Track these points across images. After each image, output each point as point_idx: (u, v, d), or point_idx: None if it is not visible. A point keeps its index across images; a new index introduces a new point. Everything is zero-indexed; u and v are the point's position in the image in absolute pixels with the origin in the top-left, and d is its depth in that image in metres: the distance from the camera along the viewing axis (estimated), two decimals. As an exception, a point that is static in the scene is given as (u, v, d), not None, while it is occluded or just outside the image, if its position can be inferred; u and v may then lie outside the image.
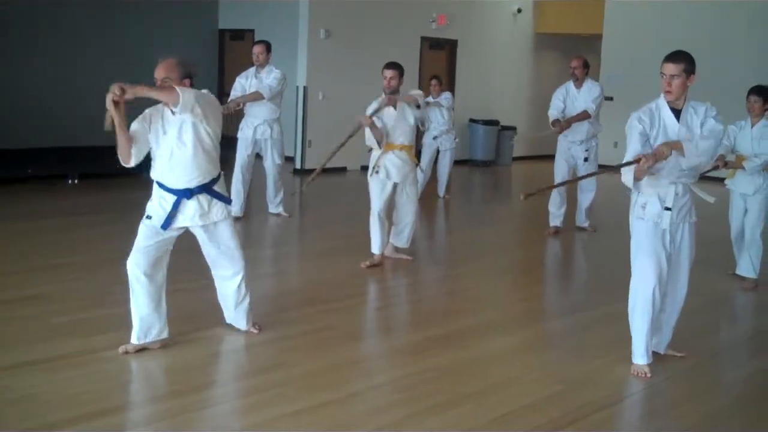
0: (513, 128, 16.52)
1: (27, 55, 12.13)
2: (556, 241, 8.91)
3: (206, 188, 4.75)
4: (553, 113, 8.95)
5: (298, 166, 13.42)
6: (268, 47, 8.96)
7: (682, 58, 4.51)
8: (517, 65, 17.26)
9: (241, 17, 15.15)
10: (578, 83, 8.95)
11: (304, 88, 13.20)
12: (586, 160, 8.96)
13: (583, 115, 8.83)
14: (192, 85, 4.68)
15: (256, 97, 8.82)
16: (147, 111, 4.66)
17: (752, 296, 6.98)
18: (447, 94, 11.06)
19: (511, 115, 16.59)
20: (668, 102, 4.61)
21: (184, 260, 5.43)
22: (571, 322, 6.01)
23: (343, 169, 13.40)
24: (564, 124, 8.79)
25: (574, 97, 8.95)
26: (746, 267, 7.12)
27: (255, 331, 5.20)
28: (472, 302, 6.52)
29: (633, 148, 4.58)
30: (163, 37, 13.64)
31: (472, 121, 15.94)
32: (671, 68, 4.50)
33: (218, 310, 5.26)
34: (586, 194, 9.26)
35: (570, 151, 9.05)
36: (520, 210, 11.61)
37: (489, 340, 5.45)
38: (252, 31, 15.09)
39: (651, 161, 4.44)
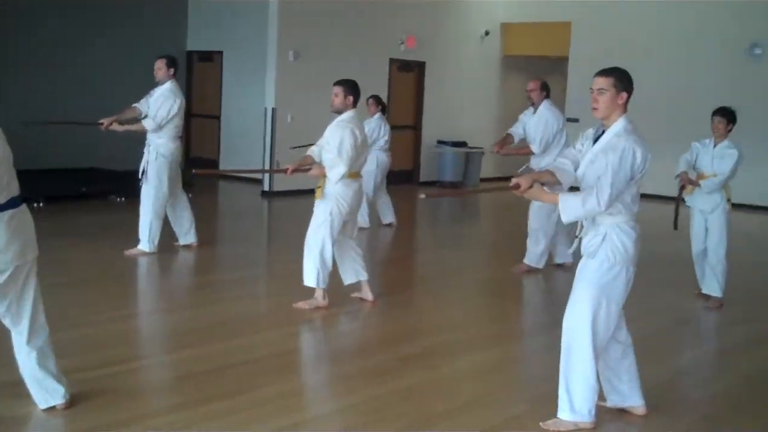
0: (480, 149, 16.61)
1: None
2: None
3: None
4: (511, 130, 8.41)
5: (266, 188, 13.37)
6: (168, 61, 8.10)
7: (614, 73, 4.17)
8: (485, 87, 17.38)
9: (209, 39, 15.13)
10: (533, 108, 8.19)
11: (273, 110, 13.19)
12: (543, 184, 8.33)
13: (524, 151, 8.29)
14: None
15: (138, 128, 8.07)
16: None
17: (717, 315, 7.04)
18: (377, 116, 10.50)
19: (478, 136, 16.66)
20: (600, 120, 4.26)
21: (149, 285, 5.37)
22: (539, 342, 6.02)
23: (311, 191, 13.36)
24: (502, 150, 8.28)
25: (528, 120, 8.22)
26: (712, 286, 7.18)
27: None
28: (438, 323, 6.51)
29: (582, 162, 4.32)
30: (131, 59, 13.60)
31: (440, 142, 16.00)
32: (599, 81, 4.15)
33: (183, 334, 5.21)
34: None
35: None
36: (488, 231, 11.68)
37: (457, 360, 5.45)
38: (221, 52, 15.08)
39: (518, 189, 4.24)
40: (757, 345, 6.19)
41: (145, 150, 8.15)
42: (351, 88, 6.47)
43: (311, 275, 6.36)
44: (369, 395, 4.69)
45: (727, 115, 6.99)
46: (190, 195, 8.65)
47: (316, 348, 5.70)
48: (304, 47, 13.41)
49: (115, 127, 8.11)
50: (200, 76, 15.55)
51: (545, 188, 4.38)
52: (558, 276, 8.28)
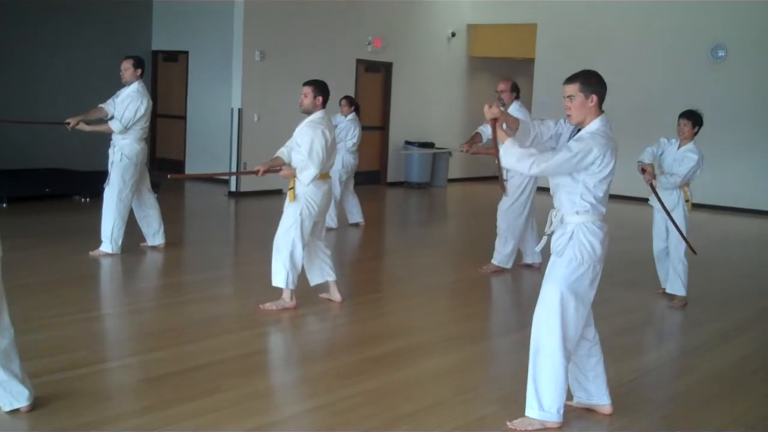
0: (447, 150, 16.68)
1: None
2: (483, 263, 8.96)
3: None
4: (480, 129, 8.33)
5: (233, 188, 13.31)
6: (135, 62, 8.06)
7: (578, 78, 4.21)
8: (452, 88, 17.46)
9: (174, 39, 15.02)
10: (504, 108, 8.32)
11: (239, 110, 13.14)
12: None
13: (494, 151, 8.22)
14: None
15: (104, 129, 7.97)
16: None
17: (680, 315, 7.13)
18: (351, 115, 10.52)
19: (445, 137, 16.73)
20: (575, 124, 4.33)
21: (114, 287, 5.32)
22: (506, 343, 6.07)
23: (278, 192, 13.33)
24: (471, 149, 8.14)
25: None
26: (676, 285, 7.28)
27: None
28: (406, 324, 6.52)
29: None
30: (96, 59, 13.48)
31: (407, 143, 16.03)
32: (566, 89, 4.22)
33: (148, 335, 5.17)
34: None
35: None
36: (455, 232, 11.72)
37: (424, 361, 5.46)
38: (186, 52, 14.98)
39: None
40: (720, 344, 6.27)
41: (110, 151, 8.07)
42: (320, 88, 6.43)
43: (280, 276, 6.35)
44: (336, 397, 4.68)
45: (692, 118, 7.10)
46: (156, 195, 8.58)
47: (284, 350, 5.69)
48: (270, 47, 13.37)
49: (82, 126, 8.00)
50: (165, 76, 15.44)
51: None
52: (526, 276, 8.34)
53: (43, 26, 12.96)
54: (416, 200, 14.76)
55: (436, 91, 16.92)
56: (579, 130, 4.29)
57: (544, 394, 4.26)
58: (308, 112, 6.42)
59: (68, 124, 8.01)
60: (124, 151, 7.97)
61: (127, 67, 8.00)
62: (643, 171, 7.07)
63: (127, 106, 7.90)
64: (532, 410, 4.29)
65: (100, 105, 8.14)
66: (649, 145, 7.35)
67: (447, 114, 17.18)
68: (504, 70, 18.59)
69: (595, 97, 4.18)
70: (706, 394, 5.12)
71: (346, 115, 10.56)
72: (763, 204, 14.19)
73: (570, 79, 4.24)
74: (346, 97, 10.77)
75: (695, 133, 7.11)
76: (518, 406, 4.41)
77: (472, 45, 17.72)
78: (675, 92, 14.33)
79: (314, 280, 6.69)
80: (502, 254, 8.29)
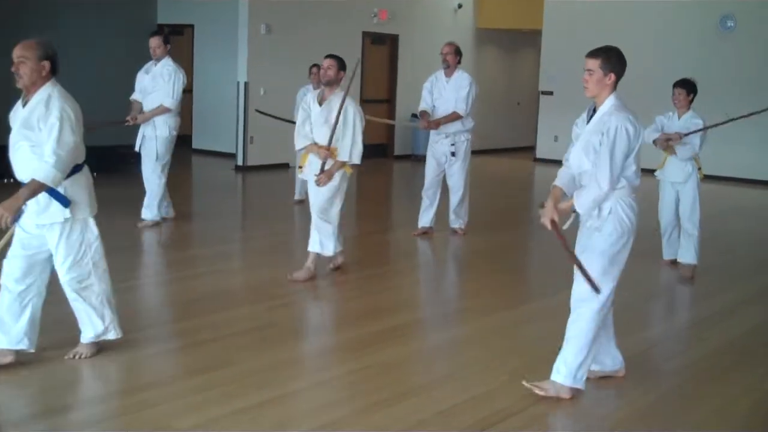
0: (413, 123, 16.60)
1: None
2: (496, 238, 8.95)
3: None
4: (422, 105, 8.49)
5: (240, 162, 13.29)
6: (164, 38, 8.39)
7: (600, 54, 4.30)
8: (459, 60, 17.34)
9: (180, 12, 14.95)
10: (449, 71, 8.39)
11: (245, 83, 13.09)
12: (453, 155, 8.43)
13: (453, 116, 8.27)
14: (54, 68, 4.42)
15: (160, 111, 8.17)
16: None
17: (687, 287, 7.11)
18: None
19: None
20: (593, 99, 4.38)
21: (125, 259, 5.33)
22: (513, 316, 6.06)
23: (285, 165, 13.32)
24: (432, 123, 8.29)
25: (442, 87, 8.40)
26: (689, 254, 7.28)
27: (69, 357, 4.62)
28: (413, 298, 6.53)
29: (573, 148, 4.47)
30: (100, 33, 13.40)
31: (414, 116, 15.94)
32: (588, 62, 4.33)
33: (160, 309, 5.18)
34: (455, 194, 8.66)
35: (437, 146, 8.54)
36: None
37: (431, 335, 5.47)
38: (192, 26, 14.92)
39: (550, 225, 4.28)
40: (729, 316, 6.26)
41: (147, 128, 8.23)
42: (343, 63, 6.56)
43: (330, 243, 6.57)
44: (343, 371, 4.70)
45: (687, 86, 7.12)
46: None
47: (293, 323, 5.69)
48: (275, 21, 13.30)
49: (140, 119, 8.22)
50: (171, 51, 15.26)
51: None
52: (535, 250, 8.33)
53: (44, 4, 12.88)
54: (423, 173, 14.66)
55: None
56: (594, 111, 4.35)
57: (574, 362, 4.32)
58: (330, 84, 6.48)
59: (127, 122, 8.23)
60: (169, 124, 8.24)
61: (158, 44, 8.25)
62: (668, 139, 7.03)
63: (173, 82, 8.18)
64: (560, 375, 4.35)
65: (132, 98, 8.37)
66: (647, 127, 7.22)
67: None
68: (511, 41, 18.50)
69: (613, 76, 4.28)
70: (719, 365, 5.11)
71: (317, 86, 10.17)
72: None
73: (593, 54, 4.34)
74: (316, 65, 10.04)
75: (691, 101, 7.11)
76: (528, 378, 4.41)
77: (479, 16, 17.59)
78: (684, 63, 14.18)
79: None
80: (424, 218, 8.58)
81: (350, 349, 5.09)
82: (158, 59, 8.26)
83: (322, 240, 6.55)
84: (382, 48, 15.73)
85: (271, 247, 7.87)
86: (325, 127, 6.40)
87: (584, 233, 4.40)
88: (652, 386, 4.69)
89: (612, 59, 4.29)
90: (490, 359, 5.00)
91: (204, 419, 3.93)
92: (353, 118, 6.42)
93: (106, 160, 11.13)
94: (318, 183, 6.43)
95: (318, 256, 6.63)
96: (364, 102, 13.73)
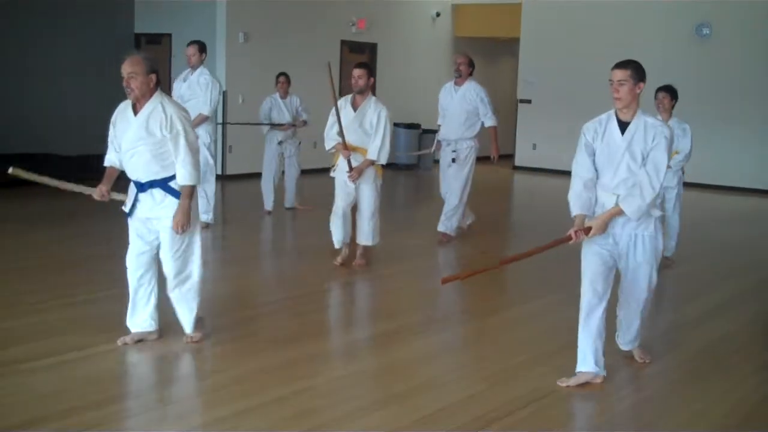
0: (434, 132, 16.63)
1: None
2: (478, 243, 8.96)
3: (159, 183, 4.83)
4: (440, 119, 8.94)
5: (219, 171, 13.21)
6: (200, 47, 8.60)
7: (629, 65, 4.50)
8: (437, 68, 17.38)
9: (157, 21, 14.87)
10: (460, 80, 8.72)
11: (224, 92, 13.04)
12: (453, 161, 8.63)
13: (492, 130, 8.67)
14: (158, 80, 4.83)
15: (200, 121, 8.35)
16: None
17: (673, 288, 7.14)
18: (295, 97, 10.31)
19: (431, 118, 16.63)
20: (618, 111, 4.55)
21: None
22: (494, 322, 6.06)
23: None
24: (496, 154, 8.75)
25: (451, 97, 8.75)
26: (668, 245, 7.53)
27: (186, 341, 5.07)
28: (396, 304, 6.52)
29: (580, 158, 4.64)
30: (77, 41, 13.33)
31: (393, 124, 15.96)
32: (618, 74, 4.48)
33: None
34: (449, 200, 8.75)
35: (443, 153, 8.78)
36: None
37: (413, 342, 5.46)
38: (169, 35, 14.84)
39: (582, 237, 4.52)
40: (705, 322, 6.29)
41: None
42: (371, 69, 7.35)
43: (374, 235, 7.42)
44: (325, 378, 4.69)
45: (671, 92, 7.33)
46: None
47: (271, 332, 5.65)
48: (254, 29, 13.29)
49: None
50: (149, 59, 15.27)
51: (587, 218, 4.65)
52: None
53: (23, 13, 12.80)
54: (404, 182, 14.73)
55: (421, 72, 16.85)
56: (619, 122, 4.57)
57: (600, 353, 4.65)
58: (362, 92, 7.17)
59: None
60: (209, 131, 8.59)
61: (193, 53, 8.45)
62: None
63: (210, 90, 8.39)
64: (601, 368, 4.64)
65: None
66: None
67: (433, 95, 17.00)
68: (489, 49, 18.57)
69: (642, 85, 4.51)
70: (697, 369, 5.14)
71: (284, 96, 10.17)
72: (747, 182, 14.25)
73: (622, 65, 4.52)
74: (284, 73, 10.33)
75: (672, 107, 7.28)
76: (508, 385, 4.43)
77: (457, 25, 17.66)
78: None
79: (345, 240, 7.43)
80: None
81: (331, 356, 5.08)
82: (194, 67, 8.48)
83: (374, 234, 7.39)
84: (361, 57, 15.73)
85: (253, 255, 7.84)
86: (360, 130, 7.01)
87: (630, 238, 4.64)
88: (631, 391, 4.71)
89: (640, 69, 4.51)
90: (468, 366, 5.00)
91: (184, 428, 3.89)
92: (386, 121, 7.05)
93: (82, 169, 11.07)
94: (350, 179, 7.01)
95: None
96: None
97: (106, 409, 4.10)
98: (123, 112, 4.82)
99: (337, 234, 7.37)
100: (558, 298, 6.47)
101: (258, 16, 13.33)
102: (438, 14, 17.08)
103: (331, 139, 7.14)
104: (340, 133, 6.95)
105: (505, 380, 4.67)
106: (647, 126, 4.49)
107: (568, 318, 5.93)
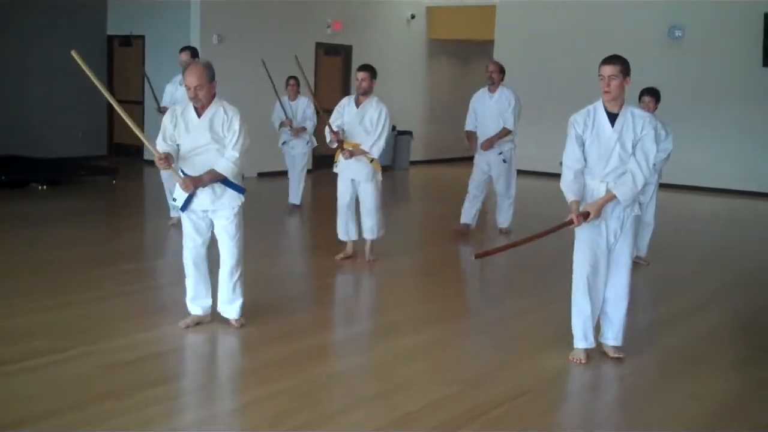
0: (409, 133, 16.67)
1: None
2: (458, 242, 8.98)
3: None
4: (468, 125, 9.15)
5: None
6: (193, 53, 8.84)
7: (618, 60, 4.78)
8: (412, 70, 17.42)
9: (130, 23, 14.79)
10: (493, 88, 8.97)
11: (198, 94, 12.97)
12: (504, 161, 9.06)
13: (503, 133, 8.91)
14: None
15: None
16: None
17: (649, 289, 7.18)
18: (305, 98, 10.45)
19: (407, 120, 16.71)
20: (606, 103, 4.82)
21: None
22: (472, 322, 6.08)
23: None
24: (485, 143, 8.92)
25: (486, 104, 8.97)
26: (641, 245, 7.74)
27: (236, 325, 5.45)
28: (374, 305, 6.52)
29: (570, 149, 4.88)
30: (49, 43, 13.23)
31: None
32: (608, 69, 4.76)
33: (120, 319, 5.10)
34: (504, 200, 9.31)
35: (484, 158, 9.08)
36: (420, 213, 11.71)
37: (391, 342, 5.45)
38: (142, 37, 14.76)
39: (581, 221, 4.73)
40: (674, 324, 6.33)
41: None
42: (374, 72, 7.75)
43: (378, 229, 7.69)
44: (300, 380, 4.65)
45: (655, 95, 7.46)
46: (114, 181, 8.49)
47: (248, 335, 5.62)
48: (228, 30, 13.23)
49: None
50: (121, 61, 15.19)
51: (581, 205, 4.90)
52: (490, 258, 8.33)
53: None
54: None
55: (396, 74, 16.84)
56: (607, 113, 4.86)
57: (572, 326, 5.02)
58: (366, 93, 7.51)
59: None
60: None
61: (186, 59, 8.57)
62: None
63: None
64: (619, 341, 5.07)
65: (162, 104, 8.98)
66: None
67: (407, 96, 17.13)
68: (464, 52, 18.62)
69: (629, 79, 4.80)
70: (666, 370, 5.17)
71: (294, 98, 10.52)
72: (720, 182, 14.38)
73: (611, 61, 4.80)
74: (294, 77, 10.58)
75: (655, 110, 7.30)
76: (485, 385, 4.43)
77: (432, 27, 17.69)
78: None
79: (351, 236, 7.75)
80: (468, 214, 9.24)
81: (307, 357, 5.04)
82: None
83: (376, 228, 7.66)
84: (336, 59, 15.73)
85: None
86: (360, 127, 7.34)
87: (621, 221, 4.88)
88: (607, 390, 4.73)
89: (627, 64, 4.80)
90: (445, 366, 5.00)
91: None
92: (385, 119, 7.34)
93: (64, 172, 10.98)
94: (344, 156, 7.35)
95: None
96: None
97: (91, 409, 4.07)
98: (182, 114, 5.28)
99: (342, 227, 7.70)
100: (534, 300, 6.50)
101: (232, 17, 13.27)
102: (413, 16, 17.10)
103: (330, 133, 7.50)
104: (321, 115, 7.45)
105: (481, 380, 4.68)
106: (635, 117, 4.80)
107: (543, 319, 5.98)
